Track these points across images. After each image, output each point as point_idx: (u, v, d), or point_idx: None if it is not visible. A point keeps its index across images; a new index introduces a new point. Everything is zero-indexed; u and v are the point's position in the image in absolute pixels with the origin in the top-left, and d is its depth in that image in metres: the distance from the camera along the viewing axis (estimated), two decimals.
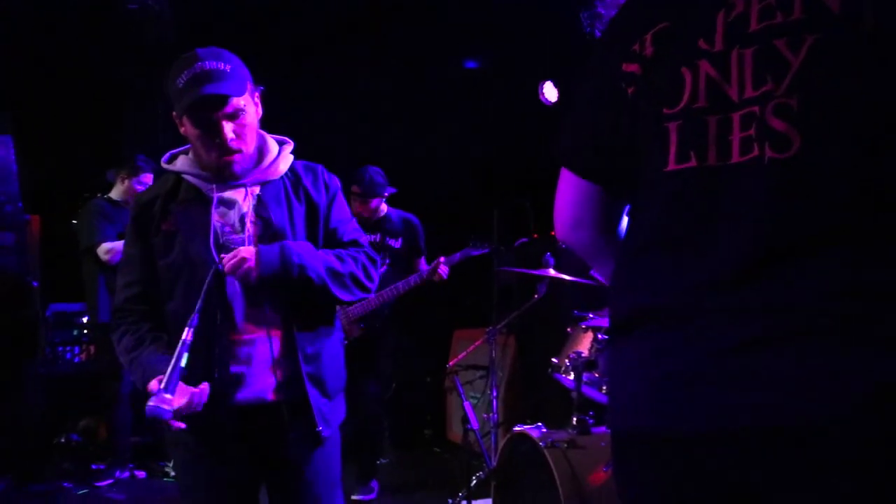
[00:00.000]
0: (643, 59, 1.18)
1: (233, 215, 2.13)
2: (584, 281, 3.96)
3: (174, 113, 2.18)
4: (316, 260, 2.12)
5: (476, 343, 4.31)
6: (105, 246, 4.66)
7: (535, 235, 5.46)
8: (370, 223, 4.48)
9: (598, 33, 1.42)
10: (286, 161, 2.29)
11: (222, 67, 2.13)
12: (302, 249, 2.12)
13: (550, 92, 6.43)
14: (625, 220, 1.36)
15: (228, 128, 2.09)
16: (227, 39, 6.48)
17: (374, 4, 6.11)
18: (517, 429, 3.52)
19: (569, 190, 1.34)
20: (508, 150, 6.93)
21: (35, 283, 5.28)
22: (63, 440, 5.21)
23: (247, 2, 6.14)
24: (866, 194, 1.00)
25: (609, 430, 1.25)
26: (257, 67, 6.54)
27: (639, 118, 1.19)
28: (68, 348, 5.35)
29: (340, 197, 2.36)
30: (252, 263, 2.01)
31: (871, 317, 0.96)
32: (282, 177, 2.24)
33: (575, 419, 3.48)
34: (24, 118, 6.64)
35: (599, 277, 1.50)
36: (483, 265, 6.07)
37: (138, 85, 6.57)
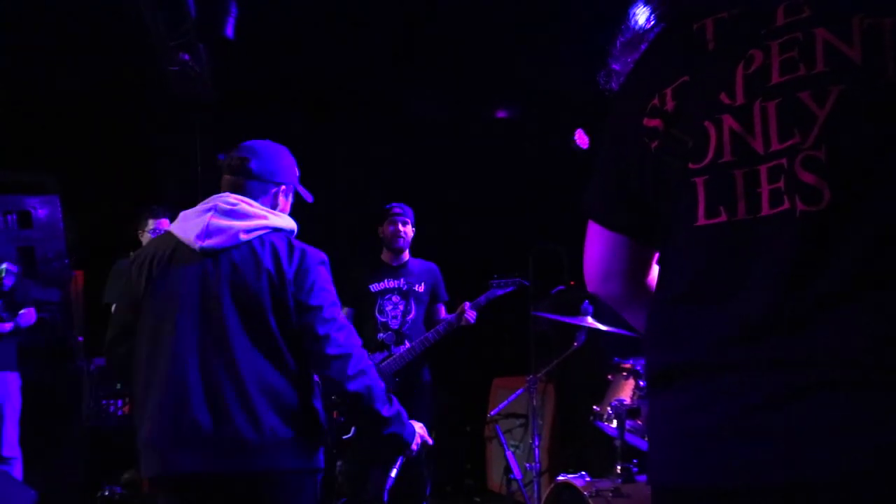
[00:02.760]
0: (665, 114, 1.19)
1: None
2: (622, 331, 3.96)
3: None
4: None
5: (517, 392, 4.29)
6: (115, 307, 4.75)
7: (572, 283, 5.46)
8: (394, 269, 4.49)
9: (615, 87, 1.43)
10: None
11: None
12: None
13: (583, 139, 6.49)
14: (655, 269, 1.37)
15: None
16: (260, 97, 6.69)
17: (408, 55, 6.24)
18: (561, 478, 3.50)
19: (597, 243, 1.35)
20: (542, 196, 6.97)
21: (80, 338, 5.39)
22: (107, 493, 5.25)
23: (281, 62, 6.30)
24: None
25: (649, 482, 1.24)
26: (290, 122, 6.74)
27: (664, 173, 1.20)
28: (111, 402, 5.41)
29: None
30: None
31: None
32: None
33: (619, 467, 3.46)
34: (68, 176, 6.85)
35: (634, 326, 1.51)
36: (519, 310, 6.09)
37: (177, 144, 6.74)
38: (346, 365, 2.24)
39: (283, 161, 2.53)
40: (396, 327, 4.36)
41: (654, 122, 1.20)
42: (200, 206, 2.34)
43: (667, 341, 1.19)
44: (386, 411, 2.33)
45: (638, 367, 3.72)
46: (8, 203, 5.28)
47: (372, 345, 4.32)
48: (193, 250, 2.25)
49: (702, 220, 1.13)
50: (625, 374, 3.77)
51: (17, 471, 4.44)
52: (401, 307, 4.40)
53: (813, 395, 0.99)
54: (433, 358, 4.47)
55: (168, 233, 2.37)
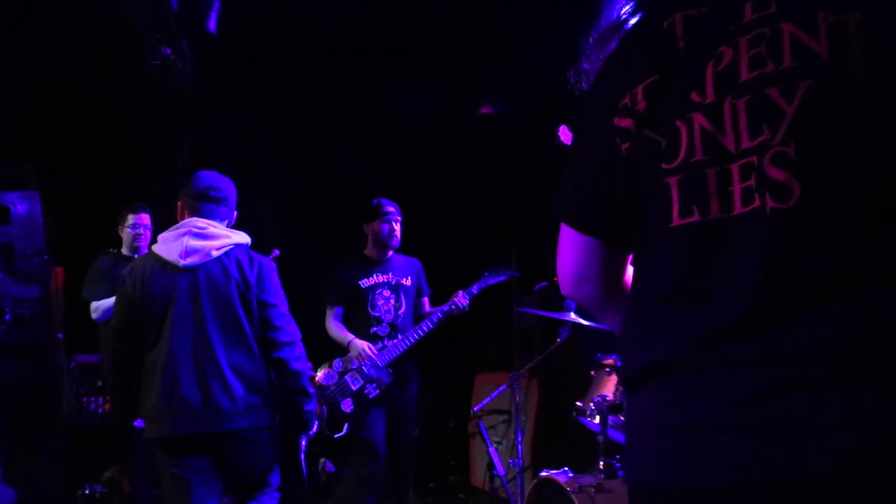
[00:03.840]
0: (636, 114, 1.18)
1: None
2: (604, 327, 3.96)
3: None
4: None
5: (500, 388, 4.30)
6: (93, 304, 4.75)
7: (555, 279, 5.46)
8: (381, 264, 4.50)
9: (585, 87, 1.43)
10: None
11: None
12: None
13: (567, 135, 6.50)
14: (629, 271, 1.37)
15: None
16: (245, 92, 6.65)
17: (394, 50, 6.22)
18: (543, 474, 3.51)
19: (571, 246, 1.34)
20: (527, 192, 6.97)
21: (60, 335, 5.33)
22: (87, 491, 5.21)
23: (265, 56, 6.27)
24: (869, 240, 1.00)
25: (626, 481, 1.24)
26: (276, 115, 6.72)
27: (636, 173, 1.19)
28: (92, 399, 5.37)
29: None
30: None
31: (881, 364, 0.96)
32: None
33: (601, 463, 3.47)
34: (47, 171, 6.78)
35: (610, 328, 1.50)
36: (503, 306, 6.09)
37: (159, 138, 6.70)
38: (293, 349, 3.09)
39: (234, 189, 3.28)
40: (391, 320, 4.38)
41: (626, 122, 1.20)
42: (175, 231, 3.05)
43: (643, 341, 1.19)
44: (310, 391, 3.14)
45: (620, 364, 3.73)
46: None
47: (364, 339, 4.33)
48: (177, 266, 2.99)
49: (676, 221, 1.14)
50: (607, 369, 3.78)
51: None
52: (392, 301, 4.42)
53: (790, 394, 0.99)
54: (416, 354, 4.47)
55: (152, 252, 3.07)
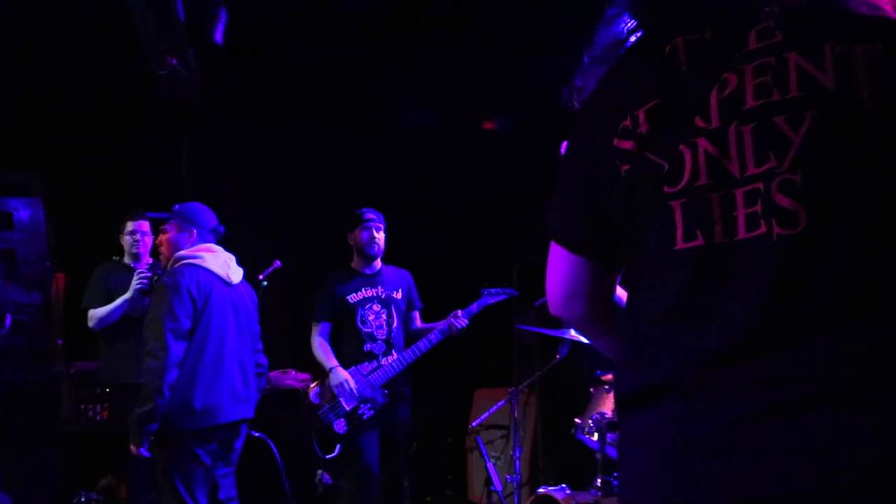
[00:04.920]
0: (638, 137, 1.18)
1: None
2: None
3: None
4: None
5: (499, 403, 4.29)
6: (90, 312, 4.76)
7: None
8: (369, 277, 4.42)
9: (577, 105, 1.43)
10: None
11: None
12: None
13: None
14: (618, 291, 1.37)
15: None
16: (247, 103, 6.66)
17: (397, 62, 6.24)
18: (541, 490, 3.51)
19: (560, 264, 1.35)
20: (528, 208, 6.98)
21: (59, 342, 5.33)
22: (83, 499, 5.19)
23: (268, 67, 6.29)
24: (873, 264, 1.02)
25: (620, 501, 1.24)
26: (277, 126, 6.71)
27: (636, 195, 1.20)
28: (90, 406, 5.36)
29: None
30: None
31: (880, 383, 0.98)
32: None
33: (599, 481, 3.46)
34: (50, 178, 6.79)
35: (597, 347, 1.49)
36: (503, 323, 6.08)
37: (163, 147, 6.72)
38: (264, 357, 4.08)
39: None
40: (385, 337, 4.29)
41: (627, 145, 1.20)
42: (214, 254, 3.70)
43: (642, 361, 1.19)
44: None
45: (614, 383, 3.73)
46: None
47: (357, 356, 4.26)
48: (228, 283, 3.71)
49: (680, 244, 1.14)
50: (606, 387, 3.78)
51: None
52: (383, 316, 4.32)
53: (791, 413, 1.00)
54: (414, 369, 4.44)
55: (203, 266, 3.61)
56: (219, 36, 4.91)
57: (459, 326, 4.28)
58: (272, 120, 6.91)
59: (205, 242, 3.70)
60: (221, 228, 3.78)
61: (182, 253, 3.60)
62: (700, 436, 1.06)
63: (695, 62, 1.18)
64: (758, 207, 1.08)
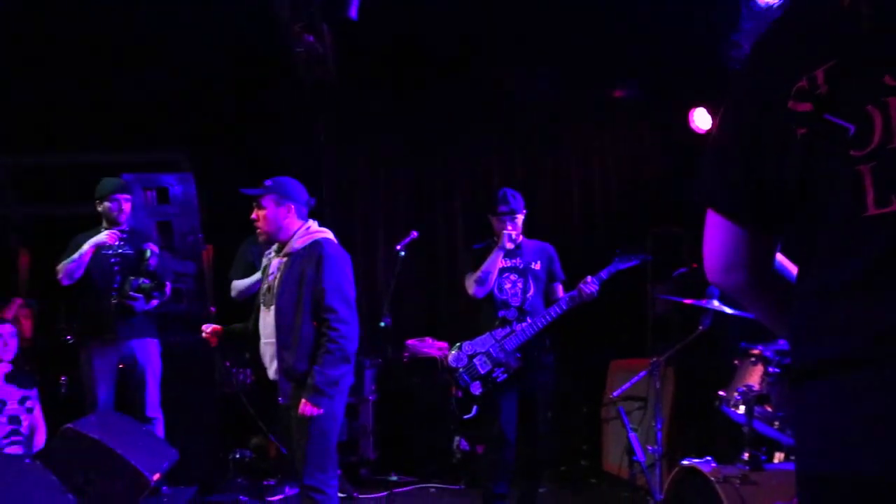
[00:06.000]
0: (816, 98, 1.12)
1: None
2: (750, 315, 3.84)
3: None
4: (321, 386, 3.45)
5: (639, 374, 4.26)
6: (233, 283, 5.02)
7: (695, 265, 5.35)
8: (510, 250, 4.46)
9: (735, 65, 1.39)
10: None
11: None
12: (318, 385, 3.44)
13: (702, 119, 6.32)
14: (779, 257, 1.32)
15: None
16: (383, 77, 6.76)
17: (527, 34, 6.22)
18: (685, 462, 3.46)
19: (718, 232, 1.30)
20: (661, 178, 6.85)
21: (212, 308, 5.66)
22: (238, 456, 5.52)
23: (401, 42, 6.39)
24: None
25: (801, 472, 1.19)
26: (408, 102, 6.76)
27: (815, 160, 1.14)
28: (240, 369, 5.67)
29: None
30: None
31: None
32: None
33: (747, 454, 3.39)
34: (197, 156, 7.18)
35: (756, 315, 1.44)
36: (636, 292, 6.02)
37: (301, 122, 6.96)
38: None
39: None
40: (518, 304, 4.37)
41: (804, 107, 1.14)
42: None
43: (823, 332, 1.15)
44: None
45: (767, 354, 3.63)
46: (148, 180, 5.56)
47: (494, 322, 4.36)
48: None
49: (871, 210, 1.08)
50: (752, 359, 3.69)
51: (160, 430, 4.71)
52: (519, 284, 4.40)
53: None
54: (551, 337, 4.46)
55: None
56: (353, 11, 5.02)
57: (588, 292, 4.25)
58: (403, 95, 7.03)
59: (301, 216, 3.63)
60: (313, 201, 3.74)
61: (313, 228, 3.65)
62: (893, 408, 1.03)
63: (880, 18, 1.10)
64: None
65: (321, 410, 3.35)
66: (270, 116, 7.08)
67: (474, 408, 4.31)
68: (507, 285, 4.42)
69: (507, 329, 4.32)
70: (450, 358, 4.41)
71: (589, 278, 4.28)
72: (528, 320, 4.31)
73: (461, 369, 4.33)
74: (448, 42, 6.41)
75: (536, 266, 4.47)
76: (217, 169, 6.56)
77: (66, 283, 4.63)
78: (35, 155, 7.70)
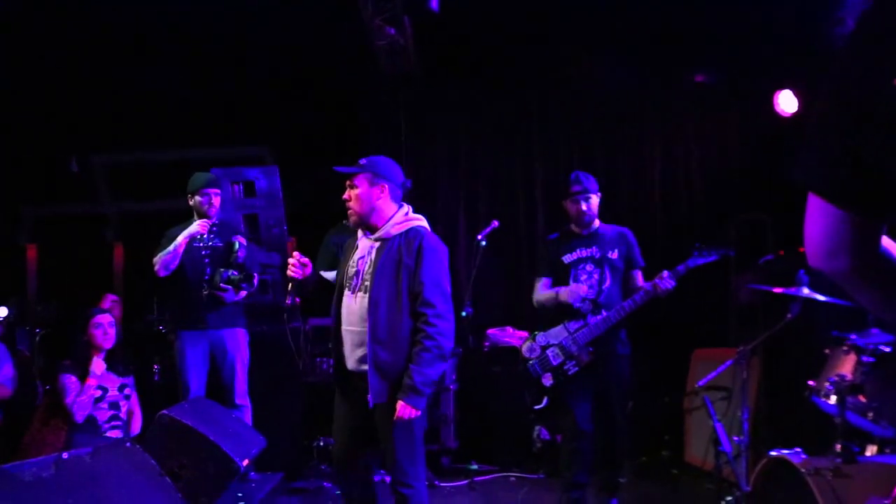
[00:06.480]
0: None
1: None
2: (843, 302, 3.73)
3: None
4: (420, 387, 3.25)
5: (726, 363, 4.17)
6: (320, 275, 5.07)
7: (781, 252, 5.21)
8: (585, 238, 4.41)
9: (838, 41, 1.34)
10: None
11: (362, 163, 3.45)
12: (417, 386, 3.25)
13: (787, 102, 6.13)
14: (886, 241, 1.27)
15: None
16: (463, 68, 6.78)
17: (606, 20, 6.15)
18: (774, 453, 3.39)
19: (820, 216, 1.25)
20: (744, 164, 6.68)
21: (297, 300, 5.79)
22: (322, 443, 5.66)
23: (479, 35, 6.40)
24: None
25: None
26: (489, 92, 6.77)
27: None
28: (324, 360, 5.80)
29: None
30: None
31: None
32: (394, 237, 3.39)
33: (839, 446, 3.29)
34: (281, 150, 7.36)
35: (861, 302, 1.41)
36: (718, 280, 5.90)
37: (384, 114, 7.05)
38: None
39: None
40: (593, 297, 4.29)
41: None
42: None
43: None
44: None
45: (860, 343, 3.52)
46: (235, 174, 5.72)
47: (569, 314, 4.30)
48: None
49: None
50: (845, 348, 3.58)
51: (248, 418, 4.86)
52: (595, 276, 4.32)
53: None
54: (630, 328, 4.40)
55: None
56: (435, 3, 5.06)
57: (664, 287, 4.12)
58: (483, 86, 7.05)
59: (395, 199, 3.42)
60: (409, 183, 3.52)
61: (411, 214, 3.47)
62: None
63: None
64: None
65: (419, 412, 3.21)
66: (352, 109, 7.20)
67: (545, 399, 4.29)
68: (584, 276, 4.34)
69: (581, 322, 4.25)
70: (524, 348, 4.40)
71: (665, 273, 4.15)
72: (603, 314, 4.22)
73: (534, 360, 4.30)
74: (527, 30, 6.39)
75: (613, 255, 4.38)
76: (299, 163, 6.71)
77: (162, 274, 4.79)
78: (127, 153, 8.05)
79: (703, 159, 6.88)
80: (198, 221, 4.83)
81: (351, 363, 3.39)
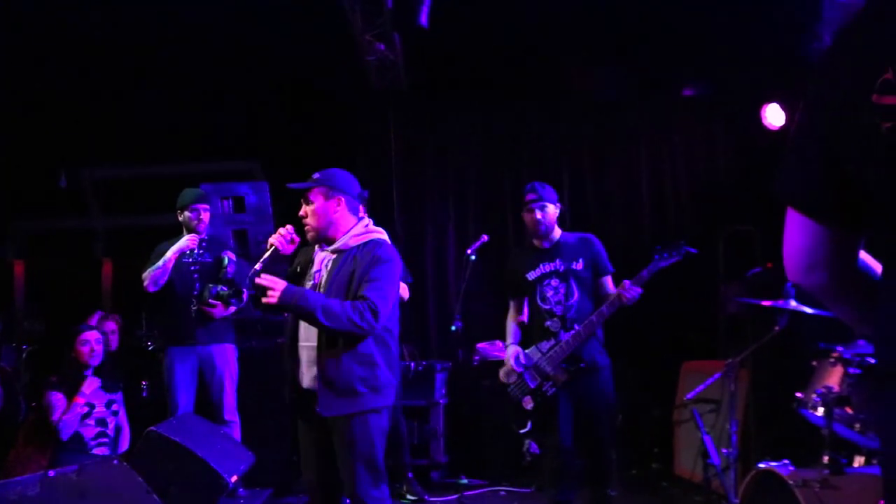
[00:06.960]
0: None
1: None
2: (830, 314, 3.73)
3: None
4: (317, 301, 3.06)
5: (714, 376, 4.19)
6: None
7: (769, 265, 5.24)
8: (547, 252, 4.27)
9: (816, 57, 1.34)
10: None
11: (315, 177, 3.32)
12: (312, 295, 3.11)
13: (774, 115, 6.18)
14: (862, 255, 1.28)
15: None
16: (452, 83, 6.80)
17: (595, 34, 6.19)
18: (762, 465, 3.40)
19: (799, 231, 1.26)
20: (731, 176, 6.73)
21: (286, 315, 5.78)
22: None
23: (469, 50, 6.43)
24: None
25: (889, 478, 1.14)
26: (479, 108, 6.78)
27: None
28: None
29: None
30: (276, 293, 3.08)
31: None
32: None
33: (827, 458, 3.31)
34: (270, 166, 7.37)
35: (840, 315, 1.39)
36: (705, 292, 5.92)
37: (374, 129, 7.07)
38: None
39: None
40: (560, 313, 4.16)
41: (889, 100, 1.09)
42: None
43: None
44: None
45: (847, 354, 3.54)
46: (224, 190, 5.73)
47: (539, 333, 4.21)
48: None
49: None
50: (832, 360, 3.60)
51: (236, 433, 4.83)
52: (562, 290, 4.18)
53: None
54: (608, 338, 4.26)
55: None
56: (424, 19, 5.09)
57: (629, 297, 3.97)
58: (472, 101, 7.08)
59: (353, 211, 3.30)
60: (366, 193, 3.43)
61: (372, 228, 3.36)
62: None
63: None
64: None
65: (274, 299, 3.06)
66: (341, 124, 7.22)
67: (528, 423, 4.22)
68: (550, 293, 4.21)
69: (553, 341, 4.14)
70: (500, 374, 4.34)
71: (627, 283, 3.99)
72: (576, 327, 4.10)
73: (511, 385, 4.26)
74: (516, 45, 6.43)
75: (578, 265, 4.21)
76: (289, 177, 6.70)
77: (151, 289, 4.77)
78: (116, 168, 8.03)
79: (692, 172, 6.93)
80: (187, 236, 4.82)
81: (307, 381, 3.23)
